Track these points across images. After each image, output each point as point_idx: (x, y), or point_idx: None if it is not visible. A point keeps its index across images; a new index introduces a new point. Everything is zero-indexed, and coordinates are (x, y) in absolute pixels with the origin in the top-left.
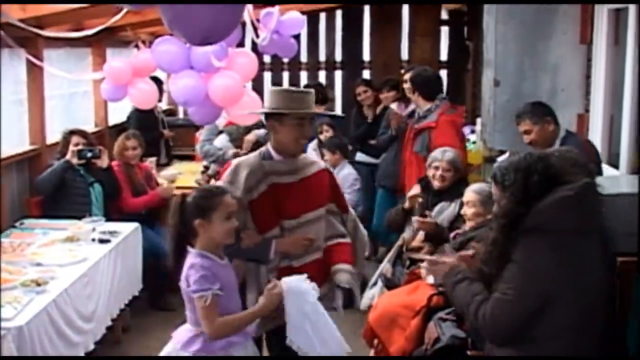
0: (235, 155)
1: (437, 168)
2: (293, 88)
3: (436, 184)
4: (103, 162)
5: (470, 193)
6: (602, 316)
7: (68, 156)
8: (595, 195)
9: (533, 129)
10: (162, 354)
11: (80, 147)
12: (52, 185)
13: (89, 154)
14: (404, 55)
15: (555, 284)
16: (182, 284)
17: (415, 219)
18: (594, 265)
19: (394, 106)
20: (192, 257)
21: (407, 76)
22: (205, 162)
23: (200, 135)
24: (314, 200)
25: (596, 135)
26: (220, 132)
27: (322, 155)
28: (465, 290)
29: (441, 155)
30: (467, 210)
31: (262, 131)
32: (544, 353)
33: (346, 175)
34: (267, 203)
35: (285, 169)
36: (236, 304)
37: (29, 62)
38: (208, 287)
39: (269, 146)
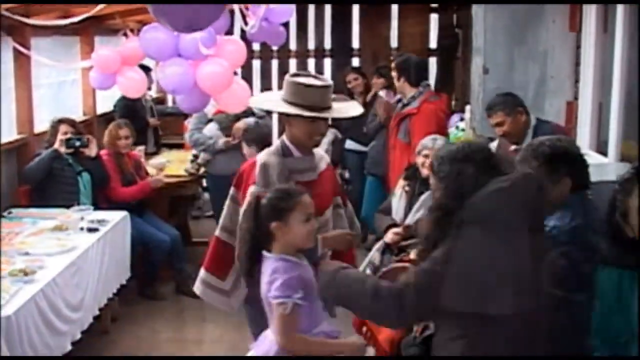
0: (227, 145)
1: (427, 156)
2: (313, 81)
3: (425, 172)
4: (91, 151)
5: None
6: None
7: (56, 145)
8: (532, 187)
9: (506, 121)
10: None
11: (68, 136)
12: (40, 175)
13: (77, 143)
14: (394, 42)
15: (481, 275)
16: (263, 289)
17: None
18: (524, 259)
19: (382, 93)
20: (273, 262)
21: (393, 63)
22: (194, 151)
23: (189, 123)
24: (329, 195)
25: (585, 123)
26: (210, 120)
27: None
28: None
29: (432, 143)
30: None
31: (252, 120)
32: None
33: None
34: None
35: (306, 166)
36: (318, 307)
37: (16, 50)
38: (289, 294)
39: (286, 140)
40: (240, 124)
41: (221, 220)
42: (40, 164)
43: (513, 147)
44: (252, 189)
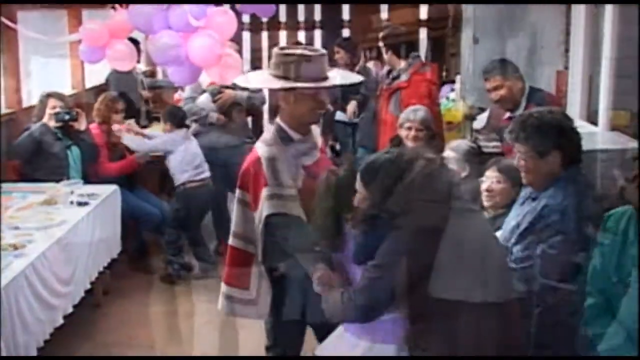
0: (219, 121)
1: (409, 128)
2: (306, 51)
3: (410, 144)
4: (81, 124)
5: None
6: None
7: (45, 119)
8: (438, 174)
9: (503, 85)
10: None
11: (57, 110)
12: (29, 149)
13: (67, 117)
14: (384, 14)
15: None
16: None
17: None
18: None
19: (370, 65)
20: None
21: (380, 35)
22: (187, 122)
23: (181, 96)
24: (328, 169)
25: (576, 93)
26: (204, 91)
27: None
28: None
29: (413, 115)
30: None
31: (244, 93)
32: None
33: None
34: (308, 189)
35: (308, 147)
36: None
37: (2, 24)
38: None
39: (282, 124)
40: (230, 92)
41: (233, 227)
42: (29, 138)
43: (507, 114)
44: (266, 192)
